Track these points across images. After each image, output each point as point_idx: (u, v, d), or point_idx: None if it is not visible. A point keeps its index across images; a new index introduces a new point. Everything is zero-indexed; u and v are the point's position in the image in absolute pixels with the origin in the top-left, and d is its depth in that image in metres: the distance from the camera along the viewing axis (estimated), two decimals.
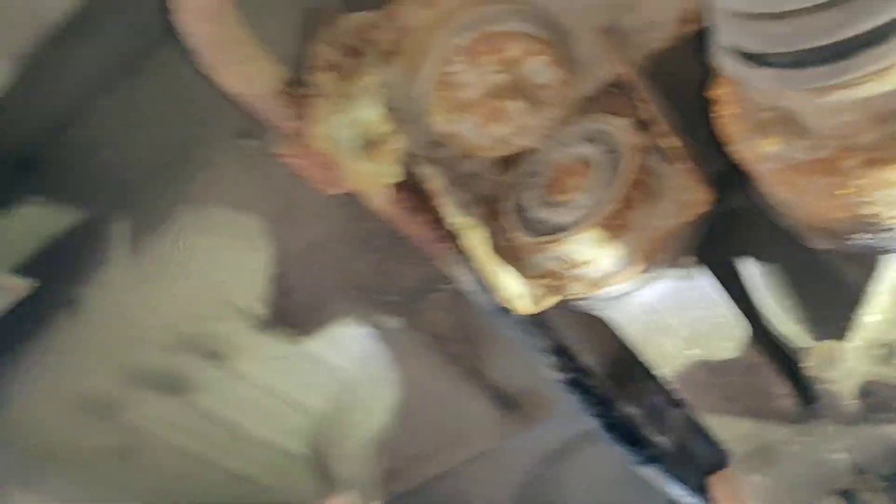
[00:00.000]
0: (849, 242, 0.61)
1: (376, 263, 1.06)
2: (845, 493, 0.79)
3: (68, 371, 1.07)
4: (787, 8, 0.47)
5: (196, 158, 1.00)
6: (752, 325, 0.77)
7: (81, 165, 1.07)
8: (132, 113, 1.04)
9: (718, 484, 0.83)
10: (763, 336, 0.77)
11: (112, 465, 1.18)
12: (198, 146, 1.00)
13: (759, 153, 0.56)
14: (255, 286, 1.04)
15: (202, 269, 1.01)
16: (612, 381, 1.14)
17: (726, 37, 0.55)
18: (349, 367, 1.20)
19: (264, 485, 1.31)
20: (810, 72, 0.50)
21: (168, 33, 0.91)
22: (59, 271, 1.04)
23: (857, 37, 0.47)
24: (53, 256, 1.05)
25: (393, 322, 1.14)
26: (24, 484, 1.14)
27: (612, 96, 0.79)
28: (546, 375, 1.00)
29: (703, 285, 0.77)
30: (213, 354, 1.10)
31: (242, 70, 0.67)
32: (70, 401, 1.09)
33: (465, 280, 0.87)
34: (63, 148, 1.07)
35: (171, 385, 1.11)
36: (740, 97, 0.60)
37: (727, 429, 0.81)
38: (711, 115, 0.67)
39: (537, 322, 0.93)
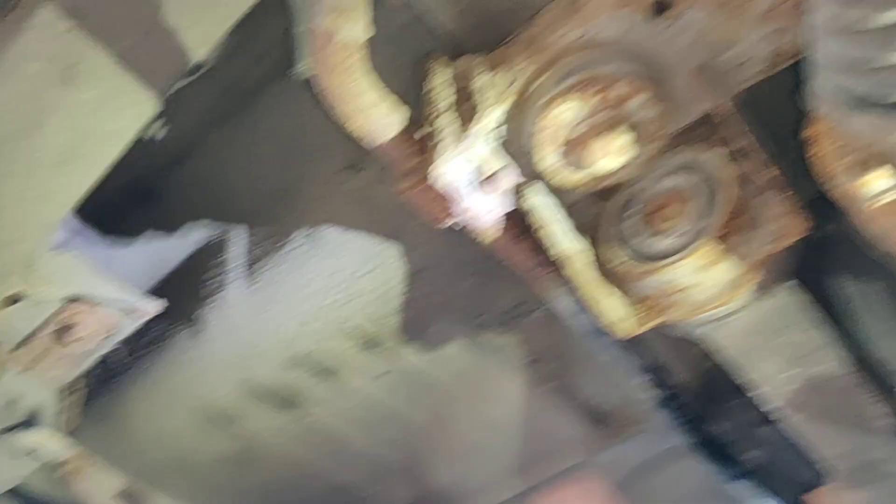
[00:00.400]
0: None
1: (476, 287, 1.12)
2: None
3: (189, 385, 1.15)
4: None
5: (310, 188, 1.07)
6: (850, 348, 0.79)
7: (199, 196, 1.16)
8: (248, 145, 1.12)
9: (820, 500, 0.85)
10: (860, 358, 0.79)
11: (229, 471, 1.26)
12: (311, 176, 1.07)
13: (859, 190, 0.60)
14: (366, 307, 1.10)
15: (317, 290, 1.08)
16: (703, 399, 1.17)
17: (827, 79, 0.58)
18: (449, 381, 1.25)
19: (362, 494, 1.38)
20: None
21: (283, 67, 0.98)
22: (182, 293, 1.13)
23: None
24: (177, 279, 1.14)
25: (490, 341, 1.19)
26: (160, 487, 1.23)
27: (709, 128, 0.83)
28: (639, 394, 1.03)
29: (801, 308, 0.80)
30: (325, 371, 1.16)
31: (370, 115, 0.74)
32: (192, 412, 1.17)
33: (562, 303, 0.91)
34: (182, 180, 1.16)
35: (285, 399, 1.18)
36: (839, 135, 0.64)
37: (829, 447, 0.83)
38: (805, 146, 0.71)
39: (632, 343, 0.96)
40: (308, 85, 0.77)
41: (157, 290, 1.13)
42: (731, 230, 0.76)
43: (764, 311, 0.80)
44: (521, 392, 1.25)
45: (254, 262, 1.10)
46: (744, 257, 0.77)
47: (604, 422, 1.28)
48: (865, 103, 0.56)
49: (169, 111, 1.07)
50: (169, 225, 1.15)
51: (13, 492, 1.14)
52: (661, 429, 1.23)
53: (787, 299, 0.80)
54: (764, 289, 0.78)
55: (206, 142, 1.14)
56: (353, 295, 1.08)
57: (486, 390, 1.26)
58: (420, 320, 1.14)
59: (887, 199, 0.58)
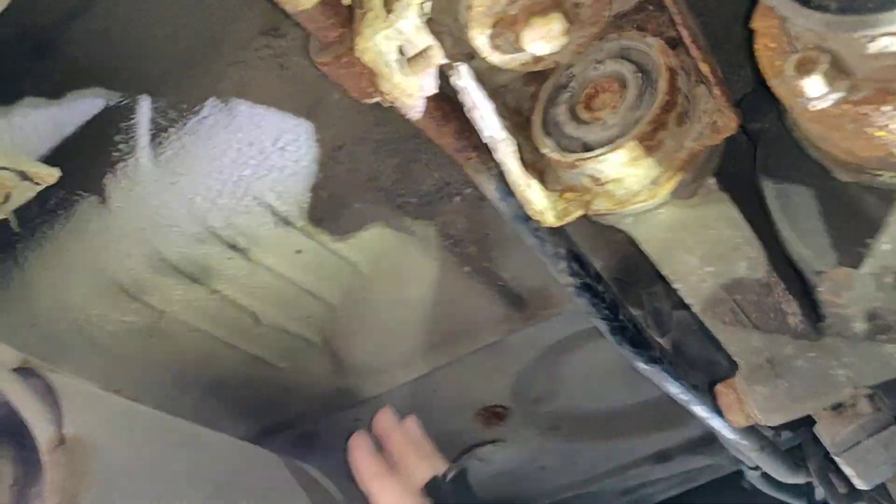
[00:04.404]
0: (874, 179, 0.64)
1: (398, 167, 1.08)
2: (838, 406, 0.86)
3: (97, 256, 1.10)
4: None
5: (225, 52, 0.99)
6: (769, 247, 0.80)
7: (100, 54, 1.06)
8: (148, 3, 1.02)
9: (725, 392, 0.88)
10: (778, 258, 0.80)
11: (139, 343, 1.23)
12: (227, 39, 0.99)
13: (798, 90, 0.58)
14: (279, 183, 1.06)
15: (230, 163, 1.02)
16: (618, 284, 1.19)
17: None
18: (365, 262, 1.24)
19: (280, 367, 1.38)
20: (859, 18, 0.51)
21: None
22: (84, 161, 1.05)
23: None
24: (77, 146, 1.06)
25: (410, 223, 1.17)
26: (59, 360, 1.19)
27: (647, 14, 0.79)
28: (558, 279, 1.04)
29: (721, 207, 0.80)
30: (237, 246, 1.13)
31: None
32: (99, 284, 1.12)
33: (486, 188, 0.89)
34: (82, 34, 1.05)
35: (196, 273, 1.14)
36: (783, 32, 0.61)
37: (737, 342, 0.85)
38: (744, 40, 0.69)
39: (554, 230, 0.96)
40: None
41: (58, 157, 1.06)
42: (662, 124, 0.74)
43: (685, 209, 0.79)
44: (439, 273, 1.25)
45: (161, 130, 1.02)
46: (671, 153, 0.75)
47: (522, 304, 1.29)
48: (811, 3, 0.53)
49: None
50: (67, 85, 1.06)
51: None
52: (577, 312, 1.25)
53: (709, 198, 0.79)
54: (688, 186, 0.77)
55: None
56: (265, 170, 1.03)
57: (404, 271, 1.25)
58: (337, 200, 1.10)
59: (829, 101, 0.57)
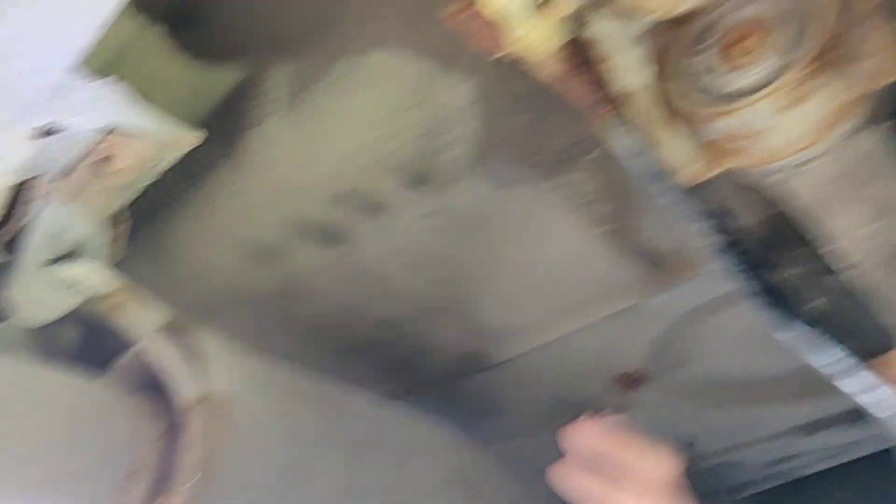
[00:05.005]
0: None
1: (532, 123, 1.05)
2: None
3: (235, 219, 1.13)
4: None
5: (357, 9, 0.98)
6: None
7: (242, 20, 1.08)
8: None
9: (890, 364, 0.81)
10: None
11: (278, 304, 1.27)
12: (354, 1, 0.98)
13: None
14: (413, 142, 1.04)
15: (361, 123, 1.02)
16: (765, 245, 1.11)
17: None
18: (499, 221, 1.21)
19: (414, 329, 1.38)
20: None
21: None
22: (221, 125, 1.08)
23: None
24: (216, 110, 1.09)
25: (543, 181, 1.13)
26: (204, 320, 1.25)
27: None
28: (699, 239, 0.98)
29: (892, 155, 0.72)
30: (370, 208, 1.13)
31: None
32: (239, 246, 1.16)
33: (620, 143, 0.85)
34: (224, 2, 1.08)
35: (329, 236, 1.16)
36: None
37: None
38: None
39: (693, 187, 0.90)
40: None
41: (199, 121, 1.09)
42: (821, 66, 0.67)
43: (850, 158, 0.71)
44: (574, 233, 1.21)
45: (295, 92, 1.03)
46: (833, 97, 0.68)
47: (659, 265, 1.24)
48: None
49: None
50: (210, 50, 1.09)
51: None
52: (717, 274, 1.18)
53: (878, 145, 0.71)
54: (852, 133, 0.70)
55: None
56: (399, 129, 1.02)
57: (536, 232, 1.22)
58: (469, 159, 1.08)
59: None
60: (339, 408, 1.02)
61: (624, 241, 1.21)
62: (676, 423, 1.66)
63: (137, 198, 1.14)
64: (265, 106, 1.04)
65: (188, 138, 1.02)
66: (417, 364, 1.46)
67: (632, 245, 1.21)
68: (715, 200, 0.91)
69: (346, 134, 1.03)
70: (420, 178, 1.09)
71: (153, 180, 1.07)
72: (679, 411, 1.61)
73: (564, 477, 0.94)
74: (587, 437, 0.98)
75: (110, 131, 0.98)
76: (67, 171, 1.02)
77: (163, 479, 0.87)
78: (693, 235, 0.94)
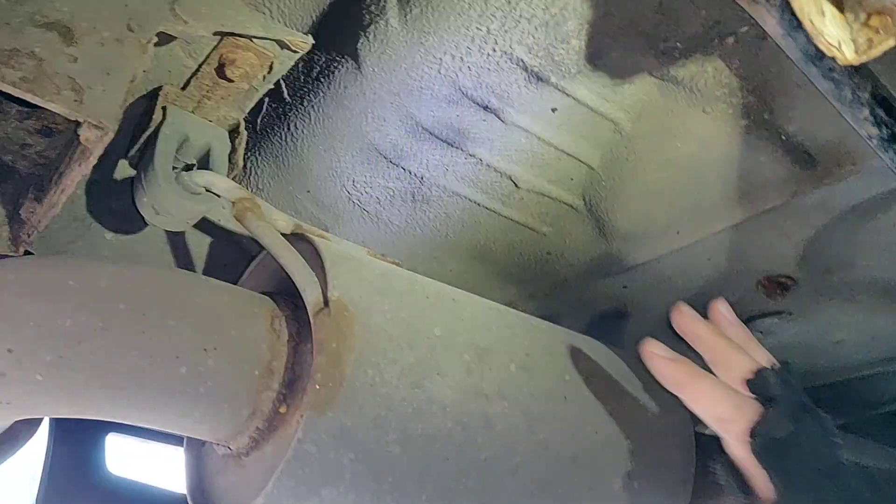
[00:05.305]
0: None
1: (659, 7, 0.95)
2: None
3: (357, 122, 1.12)
4: None
5: None
6: None
7: None
8: None
9: None
10: None
11: (402, 209, 1.26)
12: None
13: None
14: (530, 34, 0.98)
15: (476, 16, 0.96)
16: None
17: None
18: (624, 118, 1.14)
19: (543, 232, 1.35)
20: None
21: None
22: (339, 26, 1.05)
23: None
24: (333, 12, 1.06)
25: (677, 71, 1.04)
26: (330, 226, 1.26)
27: None
28: (859, 130, 0.88)
29: None
30: (490, 107, 1.08)
31: None
32: (361, 150, 1.15)
33: (766, 21, 0.75)
34: None
35: (451, 136, 1.13)
36: None
37: None
38: None
39: (854, 69, 0.79)
40: None
41: (317, 25, 1.07)
42: None
43: None
44: (712, 128, 1.12)
45: None
46: None
47: (811, 161, 1.12)
48: None
49: None
50: None
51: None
52: (878, 171, 1.07)
53: None
54: None
55: None
56: (513, 21, 0.96)
57: (671, 128, 1.13)
58: (593, 50, 1.00)
59: None
60: (466, 313, 1.00)
61: (771, 135, 1.10)
62: (824, 331, 1.56)
63: (257, 109, 1.15)
64: (379, 3, 1.00)
65: (299, 43, 1.00)
66: (548, 268, 1.42)
67: (780, 139, 1.10)
68: (880, 83, 0.81)
69: (459, 28, 0.97)
70: (539, 72, 1.03)
71: (269, 89, 1.07)
72: (828, 318, 1.50)
73: (651, 358, 0.97)
74: (684, 321, 1.01)
75: (226, 34, 0.98)
76: (190, 78, 1.04)
77: (294, 381, 0.90)
78: (852, 127, 0.84)
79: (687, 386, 0.95)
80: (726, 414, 0.92)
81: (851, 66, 0.70)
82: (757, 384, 0.94)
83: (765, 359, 0.98)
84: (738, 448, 0.91)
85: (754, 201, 1.20)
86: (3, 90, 0.81)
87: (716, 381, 0.95)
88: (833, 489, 0.87)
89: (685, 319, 1.01)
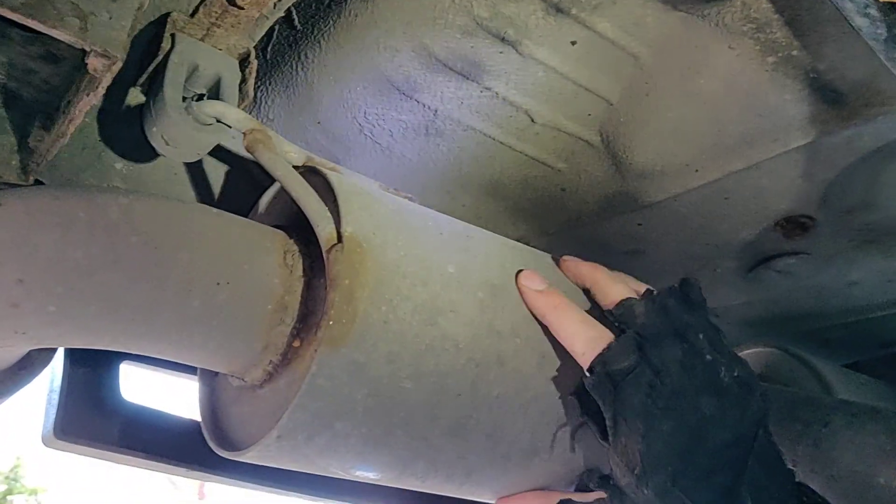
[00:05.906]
0: None
1: None
2: None
3: (369, 53, 1.08)
4: None
5: None
6: None
7: None
8: None
9: None
10: None
11: (415, 142, 1.24)
12: None
13: None
14: None
15: None
16: None
17: None
18: (646, 52, 1.10)
19: (558, 168, 1.32)
20: None
21: None
22: None
23: None
24: None
25: (701, 4, 1.00)
26: (342, 160, 1.24)
27: None
28: (892, 69, 0.85)
29: None
30: (507, 38, 1.05)
31: None
32: (373, 81, 1.12)
33: None
34: None
35: (466, 68, 1.09)
36: None
37: None
38: None
39: (892, 4, 0.76)
40: None
41: None
42: None
43: None
44: (737, 65, 1.08)
45: None
46: None
47: (840, 100, 1.09)
48: None
49: None
50: None
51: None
52: None
53: None
54: None
55: None
56: None
57: (693, 63, 1.09)
58: None
59: None
60: (479, 249, 0.99)
61: (799, 73, 1.07)
62: (840, 272, 1.54)
63: (268, 38, 1.12)
64: None
65: None
66: (563, 204, 1.41)
67: (808, 77, 1.07)
68: None
69: None
70: (558, 3, 0.99)
71: (279, 16, 1.04)
72: (845, 259, 1.49)
73: (524, 288, 0.96)
74: (572, 263, 1.04)
75: None
76: (200, 6, 1.01)
77: (307, 316, 0.90)
78: (885, 65, 0.81)
79: (552, 318, 0.93)
80: (579, 347, 0.90)
81: (888, 3, 0.67)
82: (618, 314, 0.92)
83: (643, 290, 0.95)
84: None
85: (778, 141, 1.17)
86: (4, 15, 0.78)
87: (577, 312, 0.92)
88: (667, 421, 0.81)
89: (568, 264, 1.03)
